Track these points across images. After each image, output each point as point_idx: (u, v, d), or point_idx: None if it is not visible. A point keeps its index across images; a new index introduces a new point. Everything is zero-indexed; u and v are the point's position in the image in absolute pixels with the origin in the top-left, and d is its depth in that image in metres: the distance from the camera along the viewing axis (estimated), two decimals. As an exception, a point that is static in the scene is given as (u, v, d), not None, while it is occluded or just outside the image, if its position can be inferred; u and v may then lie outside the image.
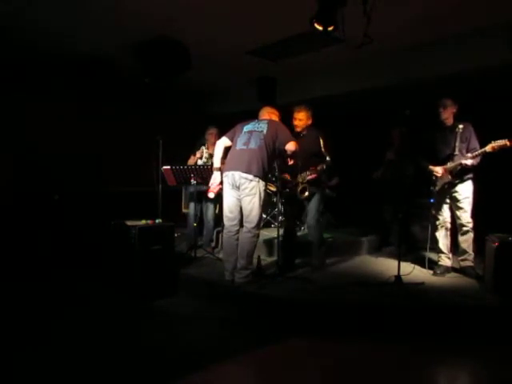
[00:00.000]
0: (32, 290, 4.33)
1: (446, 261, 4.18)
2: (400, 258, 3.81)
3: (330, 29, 3.41)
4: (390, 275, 3.92)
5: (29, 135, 5.77)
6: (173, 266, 4.29)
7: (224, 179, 3.90)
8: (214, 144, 5.24)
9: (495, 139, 5.35)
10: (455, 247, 4.24)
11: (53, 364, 2.79)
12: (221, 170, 4.03)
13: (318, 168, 4.17)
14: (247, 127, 3.98)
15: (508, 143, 3.58)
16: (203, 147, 5.28)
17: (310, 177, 4.16)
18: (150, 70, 5.04)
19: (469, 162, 3.84)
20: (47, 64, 5.78)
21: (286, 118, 4.49)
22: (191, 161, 5.27)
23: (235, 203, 3.87)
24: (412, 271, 4.02)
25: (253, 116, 4.32)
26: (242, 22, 4.36)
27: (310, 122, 4.32)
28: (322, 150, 4.19)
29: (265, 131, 3.87)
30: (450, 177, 3.98)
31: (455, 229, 4.18)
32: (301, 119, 4.27)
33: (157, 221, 4.31)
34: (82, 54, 5.31)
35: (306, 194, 4.16)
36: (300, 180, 4.19)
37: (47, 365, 2.78)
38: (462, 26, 4.32)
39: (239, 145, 3.90)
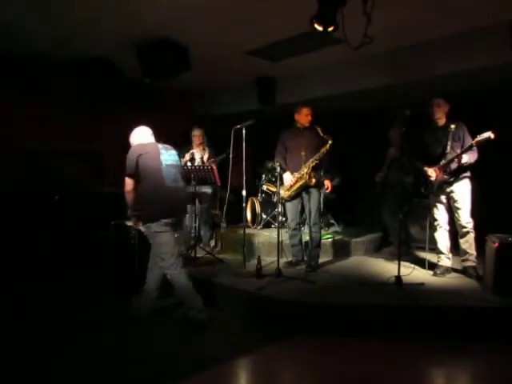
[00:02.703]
0: (32, 290, 4.33)
1: (445, 261, 4.16)
2: (400, 258, 3.81)
3: (330, 29, 3.41)
4: (390, 275, 3.92)
5: (29, 135, 5.77)
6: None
7: (162, 226, 3.37)
8: (199, 146, 5.37)
9: (495, 139, 5.36)
10: (456, 248, 4.22)
11: (50, 366, 2.80)
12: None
13: (322, 150, 4.21)
14: (165, 159, 3.52)
15: (492, 135, 3.55)
16: (194, 151, 5.31)
17: (314, 163, 4.20)
18: (150, 70, 5.05)
19: (463, 159, 3.78)
20: (47, 64, 5.79)
21: (287, 118, 4.50)
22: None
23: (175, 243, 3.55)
24: (412, 271, 4.02)
25: (253, 117, 4.33)
26: (241, 22, 4.36)
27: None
28: (321, 135, 4.25)
29: (178, 163, 3.72)
30: (444, 175, 3.93)
31: (456, 229, 4.16)
32: (312, 115, 4.37)
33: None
34: (82, 54, 5.31)
35: (314, 180, 4.19)
36: (305, 170, 4.21)
37: (45, 365, 2.79)
38: (462, 26, 4.32)
39: (169, 181, 3.45)
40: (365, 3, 3.30)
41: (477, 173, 4.03)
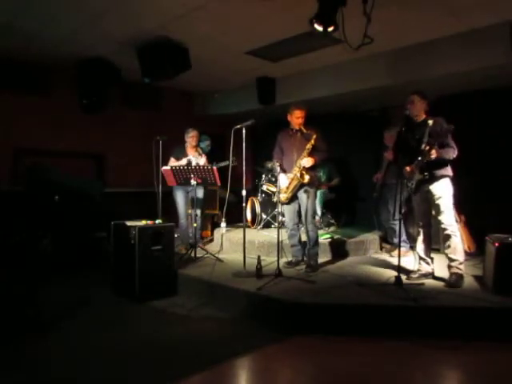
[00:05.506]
0: (33, 290, 4.32)
1: (424, 266, 4.00)
2: (400, 258, 3.80)
3: (330, 29, 3.41)
4: (389, 275, 3.92)
5: (29, 135, 5.78)
6: (173, 265, 4.30)
7: None
8: (195, 147, 5.37)
9: (495, 138, 5.37)
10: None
11: (49, 365, 2.80)
12: None
13: (307, 146, 4.20)
14: None
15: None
16: (190, 157, 5.29)
17: (305, 162, 4.18)
18: (150, 70, 5.05)
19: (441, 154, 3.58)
20: (47, 64, 5.79)
21: (287, 118, 4.49)
22: (171, 164, 5.19)
23: None
24: (412, 271, 4.01)
25: (253, 117, 4.33)
26: (242, 22, 4.37)
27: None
28: (305, 131, 4.22)
29: None
30: (418, 173, 3.70)
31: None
32: (304, 117, 4.31)
33: (157, 221, 4.32)
34: (82, 54, 5.32)
35: (307, 177, 4.17)
36: (297, 169, 4.21)
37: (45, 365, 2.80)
38: (462, 26, 4.32)
39: None
40: (365, 3, 3.30)
41: (478, 172, 3.98)
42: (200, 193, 5.36)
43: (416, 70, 4.89)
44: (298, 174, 4.18)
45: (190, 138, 5.34)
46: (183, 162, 5.23)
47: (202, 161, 5.36)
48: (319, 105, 6.09)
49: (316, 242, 4.41)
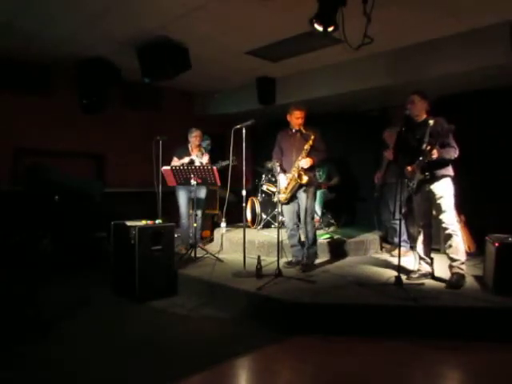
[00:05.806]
0: (33, 290, 4.32)
1: (424, 266, 3.99)
2: (400, 257, 3.80)
3: (330, 29, 3.41)
4: (390, 275, 3.92)
5: (29, 135, 5.78)
6: (173, 265, 4.30)
7: None
8: (198, 146, 5.39)
9: (495, 138, 5.37)
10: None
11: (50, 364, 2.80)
12: None
13: (305, 147, 4.21)
14: None
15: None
16: (193, 157, 5.31)
17: (303, 163, 4.19)
18: (150, 70, 5.05)
19: (442, 154, 3.60)
20: (47, 64, 5.79)
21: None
22: (174, 163, 5.21)
23: None
24: (412, 271, 4.01)
25: (253, 117, 4.32)
26: (242, 22, 4.37)
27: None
28: (304, 132, 4.23)
29: None
30: (419, 173, 3.70)
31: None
32: (303, 118, 4.31)
33: (157, 221, 4.32)
34: (82, 54, 5.32)
35: (305, 178, 4.17)
36: (295, 170, 4.22)
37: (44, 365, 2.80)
38: (462, 26, 4.32)
39: None
40: (365, 3, 3.30)
41: (478, 172, 3.98)
42: (202, 193, 5.40)
43: (416, 69, 4.89)
44: (297, 175, 4.19)
45: (194, 137, 5.37)
46: (185, 160, 5.24)
47: (205, 159, 5.38)
48: (319, 105, 6.09)
49: (314, 242, 4.41)
